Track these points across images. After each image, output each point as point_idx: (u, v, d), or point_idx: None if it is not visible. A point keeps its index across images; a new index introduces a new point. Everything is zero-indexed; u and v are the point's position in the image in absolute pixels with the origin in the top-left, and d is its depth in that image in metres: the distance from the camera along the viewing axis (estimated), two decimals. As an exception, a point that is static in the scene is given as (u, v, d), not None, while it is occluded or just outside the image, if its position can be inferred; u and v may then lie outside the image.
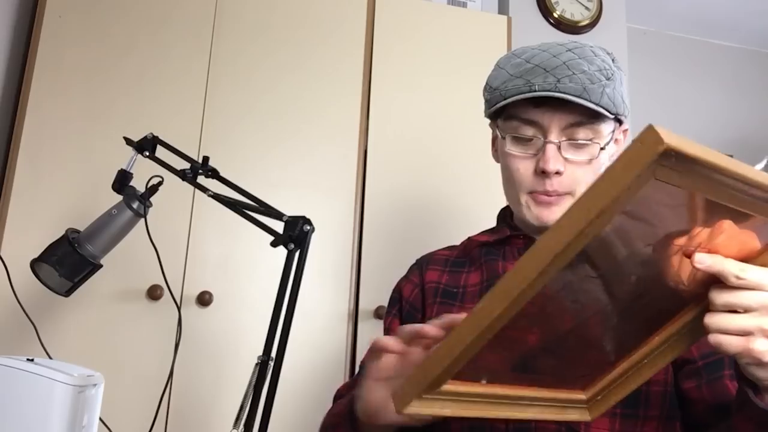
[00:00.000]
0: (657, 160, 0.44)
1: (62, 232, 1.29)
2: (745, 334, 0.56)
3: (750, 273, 0.55)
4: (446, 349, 0.57)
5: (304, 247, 1.15)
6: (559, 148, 0.87)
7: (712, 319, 0.57)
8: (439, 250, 1.06)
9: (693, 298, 0.60)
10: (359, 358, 1.70)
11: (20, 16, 1.83)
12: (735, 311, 0.56)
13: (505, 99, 0.88)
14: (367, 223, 1.85)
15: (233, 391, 1.64)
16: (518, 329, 0.59)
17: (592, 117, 0.87)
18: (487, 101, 0.96)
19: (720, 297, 0.57)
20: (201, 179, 1.28)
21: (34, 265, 1.28)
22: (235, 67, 1.84)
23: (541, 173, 0.87)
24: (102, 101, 1.74)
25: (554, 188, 0.87)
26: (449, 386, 0.61)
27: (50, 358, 1.30)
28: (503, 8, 2.43)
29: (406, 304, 1.00)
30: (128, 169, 1.32)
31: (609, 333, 0.66)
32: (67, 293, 1.30)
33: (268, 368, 1.11)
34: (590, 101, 0.85)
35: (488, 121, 1.00)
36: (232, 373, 1.67)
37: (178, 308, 1.44)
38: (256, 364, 1.11)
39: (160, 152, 1.31)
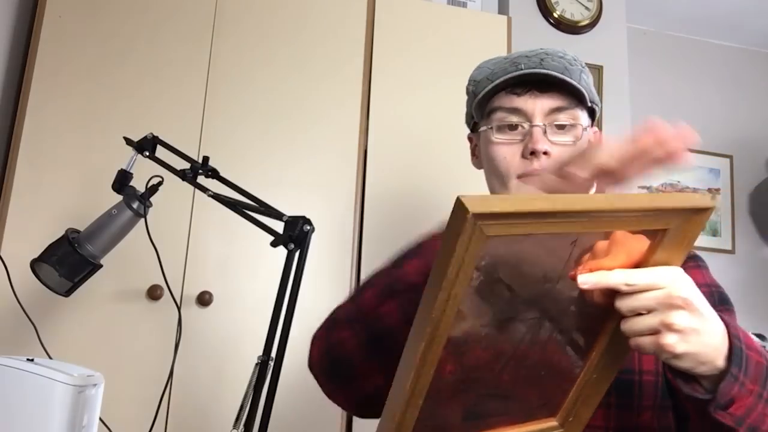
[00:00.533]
0: (476, 225, 0.47)
1: (62, 232, 1.29)
2: (654, 332, 0.59)
3: (637, 277, 0.59)
4: (388, 419, 0.59)
5: (304, 247, 1.15)
6: (544, 132, 0.90)
7: (626, 326, 0.61)
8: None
9: (610, 311, 0.62)
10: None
11: (20, 16, 1.83)
12: (641, 313, 0.60)
13: (492, 82, 0.92)
14: (367, 223, 1.85)
15: (233, 391, 1.64)
16: (446, 385, 0.60)
17: (572, 103, 0.92)
18: (471, 94, 0.98)
19: (623, 305, 0.60)
20: (201, 179, 1.28)
21: (34, 265, 1.27)
22: (235, 67, 1.84)
23: (531, 155, 0.89)
24: (102, 101, 1.74)
25: (541, 166, 0.89)
26: None
27: (50, 358, 1.29)
28: (503, 8, 2.43)
29: None
30: (128, 169, 1.32)
31: (541, 364, 0.67)
32: (67, 293, 1.30)
33: (268, 368, 1.11)
34: (572, 79, 0.90)
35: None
36: (232, 373, 1.67)
37: (178, 308, 1.44)
38: (256, 364, 1.11)
39: (160, 152, 1.31)
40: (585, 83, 0.93)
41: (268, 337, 1.12)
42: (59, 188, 1.67)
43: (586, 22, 2.47)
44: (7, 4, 1.77)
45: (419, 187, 1.90)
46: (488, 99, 0.94)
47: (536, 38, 2.41)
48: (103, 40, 1.77)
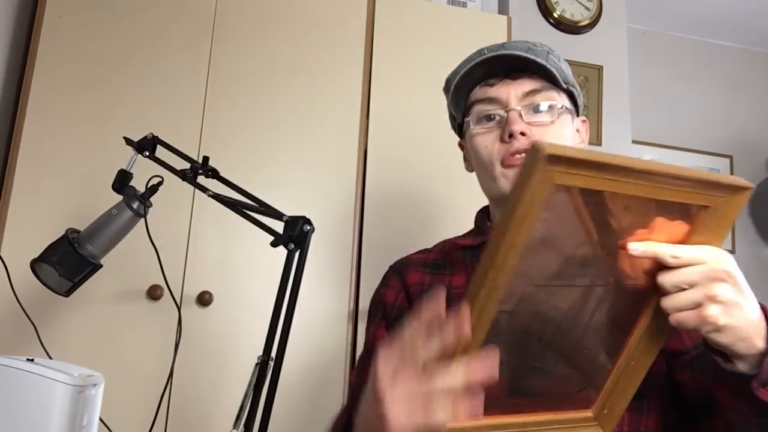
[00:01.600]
0: (548, 167, 0.51)
1: (62, 232, 1.29)
2: (697, 306, 0.61)
3: (683, 251, 0.61)
4: None
5: (304, 247, 1.15)
6: (520, 115, 0.90)
7: (667, 302, 0.62)
8: (412, 254, 1.05)
9: (650, 291, 0.64)
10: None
11: (20, 16, 1.83)
12: (684, 289, 0.62)
13: (459, 74, 0.95)
14: (367, 222, 1.85)
15: (233, 391, 1.64)
16: (498, 344, 0.61)
17: (546, 85, 0.92)
18: (447, 92, 1.02)
19: (666, 279, 0.62)
20: (201, 179, 1.28)
21: (34, 265, 1.27)
22: (235, 67, 1.84)
23: (509, 138, 0.90)
24: (102, 101, 1.74)
25: (521, 145, 0.89)
26: (453, 426, 0.61)
27: (50, 358, 1.29)
28: (503, 8, 2.43)
29: (392, 310, 0.97)
30: (128, 169, 1.32)
31: (584, 343, 0.68)
32: (67, 293, 1.30)
33: (268, 368, 1.11)
34: (536, 58, 0.90)
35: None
36: (232, 373, 1.67)
37: (178, 308, 1.44)
38: (256, 364, 1.12)
39: (160, 152, 1.31)
40: (554, 64, 0.93)
41: (268, 337, 1.12)
42: (59, 188, 1.67)
43: (586, 22, 2.47)
44: (7, 4, 1.77)
45: (419, 187, 1.90)
46: (465, 96, 0.97)
47: (536, 38, 2.38)
48: (103, 40, 1.77)
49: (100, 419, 1.17)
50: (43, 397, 1.01)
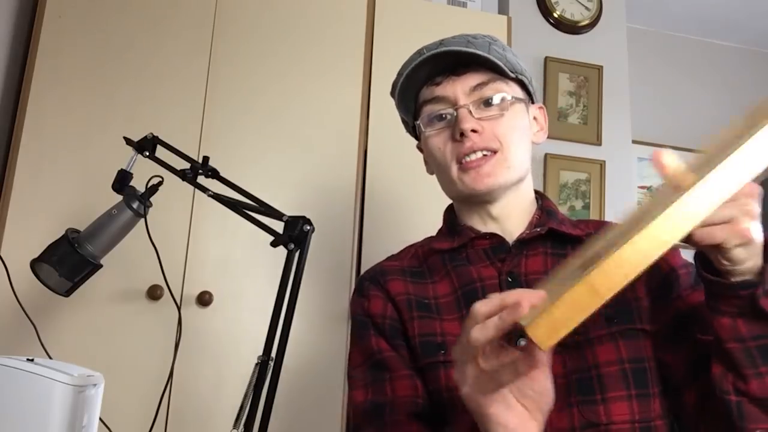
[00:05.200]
0: None
1: (62, 232, 1.29)
2: (729, 220, 0.62)
3: None
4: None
5: (304, 247, 1.16)
6: (470, 112, 0.90)
7: None
8: (383, 262, 1.01)
9: None
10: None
11: (20, 16, 1.83)
12: None
13: (402, 76, 0.95)
14: (367, 223, 1.85)
15: (233, 391, 1.64)
16: None
17: (493, 76, 0.91)
18: (394, 96, 1.00)
19: None
20: (201, 179, 1.28)
21: (34, 265, 1.27)
22: (235, 67, 1.84)
23: (460, 136, 0.89)
24: (102, 101, 1.74)
25: (474, 143, 0.89)
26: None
27: (50, 358, 1.29)
28: (503, 8, 2.43)
29: (386, 320, 0.91)
30: (128, 169, 1.32)
31: None
32: (67, 293, 1.30)
33: (268, 368, 1.11)
34: (477, 50, 0.89)
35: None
36: (232, 373, 1.67)
37: (178, 308, 1.44)
38: (256, 364, 1.12)
39: (160, 152, 1.31)
40: (497, 54, 0.91)
41: (268, 337, 1.12)
42: (59, 188, 1.67)
43: (586, 22, 2.47)
44: (7, 4, 1.77)
45: (419, 187, 1.90)
46: (414, 98, 0.96)
47: (536, 38, 2.41)
48: (103, 40, 1.77)
49: (100, 419, 1.17)
50: (43, 397, 1.01)
